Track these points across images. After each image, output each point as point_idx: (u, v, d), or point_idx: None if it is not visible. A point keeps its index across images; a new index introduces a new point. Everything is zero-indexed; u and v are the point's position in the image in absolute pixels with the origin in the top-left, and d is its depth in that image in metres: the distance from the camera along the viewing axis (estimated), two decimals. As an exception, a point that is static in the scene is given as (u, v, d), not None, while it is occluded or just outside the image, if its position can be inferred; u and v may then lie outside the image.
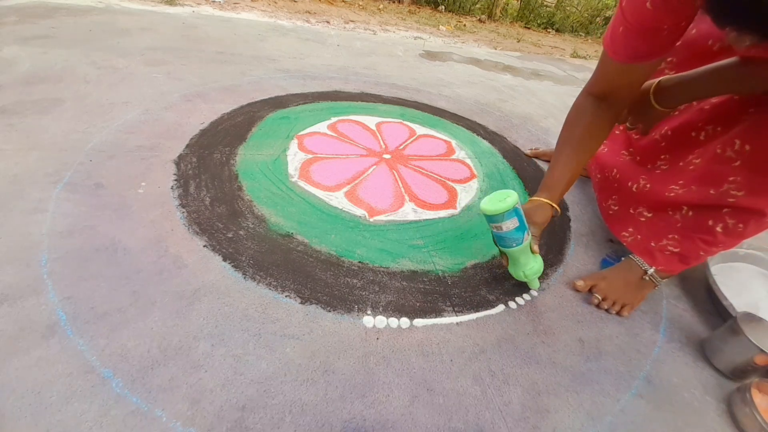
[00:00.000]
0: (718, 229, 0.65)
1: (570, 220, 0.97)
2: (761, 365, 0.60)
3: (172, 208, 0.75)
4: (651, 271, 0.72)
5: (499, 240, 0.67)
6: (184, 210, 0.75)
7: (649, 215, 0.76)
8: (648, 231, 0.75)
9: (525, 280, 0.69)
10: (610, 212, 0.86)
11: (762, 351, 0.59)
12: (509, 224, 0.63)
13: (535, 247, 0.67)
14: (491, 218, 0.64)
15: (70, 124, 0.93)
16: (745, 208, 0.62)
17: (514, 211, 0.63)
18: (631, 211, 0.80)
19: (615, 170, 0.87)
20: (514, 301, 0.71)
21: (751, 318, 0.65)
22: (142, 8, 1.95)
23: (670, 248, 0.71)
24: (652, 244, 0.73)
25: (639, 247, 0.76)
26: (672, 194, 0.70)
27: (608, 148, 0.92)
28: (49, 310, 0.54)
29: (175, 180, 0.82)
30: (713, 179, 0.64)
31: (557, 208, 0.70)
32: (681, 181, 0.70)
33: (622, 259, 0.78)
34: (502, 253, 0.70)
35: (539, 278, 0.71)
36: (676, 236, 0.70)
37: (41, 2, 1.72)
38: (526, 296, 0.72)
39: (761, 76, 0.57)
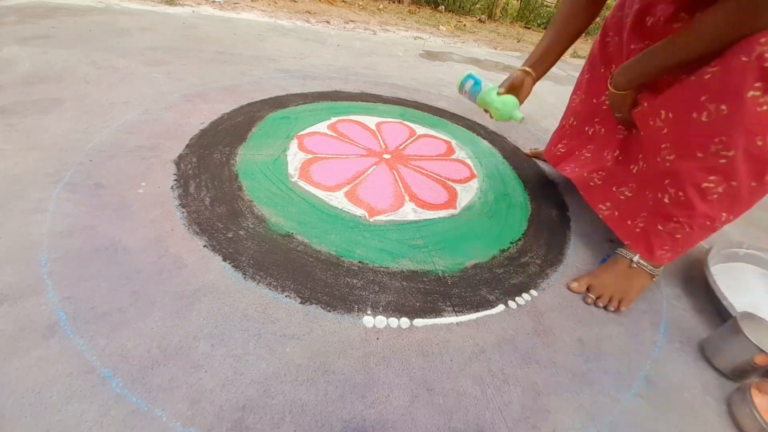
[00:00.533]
0: (666, 200, 0.69)
1: (570, 220, 0.97)
2: (761, 365, 0.60)
3: (172, 208, 0.75)
4: (636, 258, 0.73)
5: (475, 100, 0.85)
6: (184, 210, 0.75)
7: (630, 195, 0.79)
8: (625, 208, 0.79)
9: (502, 114, 0.81)
10: (591, 184, 0.88)
11: (762, 351, 0.59)
12: (467, 85, 0.86)
13: (501, 89, 0.81)
14: (460, 90, 0.88)
15: (70, 124, 0.93)
16: (678, 172, 0.66)
17: (469, 75, 0.87)
18: (614, 189, 0.82)
19: (601, 172, 0.87)
20: (514, 301, 0.71)
21: (751, 318, 0.65)
22: (142, 8, 1.95)
23: (639, 226, 0.75)
24: (629, 222, 0.77)
25: (615, 224, 0.80)
26: (635, 169, 0.77)
27: (592, 154, 0.93)
28: (49, 310, 0.54)
29: (175, 180, 0.82)
30: (653, 149, 0.70)
31: (531, 71, 0.83)
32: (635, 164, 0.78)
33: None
34: (486, 111, 0.84)
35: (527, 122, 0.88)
36: (644, 214, 0.74)
37: (41, 2, 1.72)
38: (526, 296, 0.72)
39: (679, 47, 0.62)
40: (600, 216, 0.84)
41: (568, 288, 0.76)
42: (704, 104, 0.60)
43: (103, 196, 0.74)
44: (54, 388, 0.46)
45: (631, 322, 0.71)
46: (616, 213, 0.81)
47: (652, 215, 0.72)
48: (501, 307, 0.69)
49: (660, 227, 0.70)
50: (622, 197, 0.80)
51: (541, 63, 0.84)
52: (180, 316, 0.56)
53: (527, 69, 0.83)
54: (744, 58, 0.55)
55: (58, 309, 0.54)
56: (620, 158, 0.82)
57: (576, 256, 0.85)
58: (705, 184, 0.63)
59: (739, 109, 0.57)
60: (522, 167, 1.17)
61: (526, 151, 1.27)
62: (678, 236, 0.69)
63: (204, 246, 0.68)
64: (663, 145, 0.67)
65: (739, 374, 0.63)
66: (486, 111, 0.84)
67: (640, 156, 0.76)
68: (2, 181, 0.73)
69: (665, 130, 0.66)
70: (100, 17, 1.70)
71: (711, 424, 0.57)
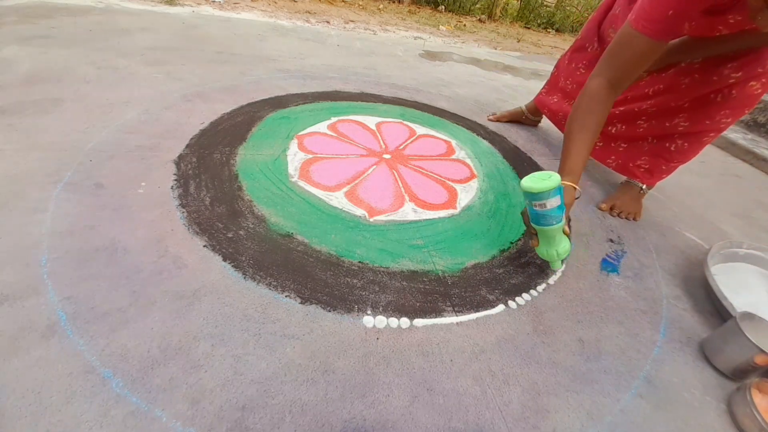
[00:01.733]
0: (672, 148, 0.98)
1: (570, 220, 0.97)
2: (761, 365, 0.60)
3: (172, 208, 0.75)
4: (644, 187, 1.04)
5: (540, 218, 0.69)
6: (184, 210, 0.75)
7: (625, 146, 1.08)
8: (626, 156, 1.07)
9: (553, 259, 0.72)
10: (597, 147, 1.14)
11: (762, 351, 0.59)
12: (553, 202, 0.66)
13: (567, 228, 0.72)
14: (536, 196, 0.66)
15: (70, 124, 0.93)
16: (689, 134, 0.94)
17: (559, 189, 0.66)
18: (612, 144, 1.11)
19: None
20: (514, 301, 0.71)
21: (751, 318, 0.65)
22: (142, 8, 1.95)
23: (643, 166, 1.04)
24: (630, 164, 1.06)
25: (621, 168, 1.09)
26: (641, 129, 1.03)
27: None
28: (49, 310, 0.54)
29: (175, 180, 0.82)
30: (669, 117, 0.96)
31: (580, 189, 0.76)
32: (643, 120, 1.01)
33: (621, 253, 0.86)
34: (532, 234, 0.73)
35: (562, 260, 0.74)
36: (646, 158, 1.03)
37: (41, 2, 1.72)
38: (526, 296, 0.72)
39: (699, 47, 0.85)
40: (609, 168, 1.12)
41: (599, 208, 1.03)
42: (722, 89, 0.86)
43: (103, 196, 0.74)
44: (54, 388, 0.46)
45: (631, 322, 0.71)
46: (620, 161, 1.08)
47: (656, 157, 1.01)
48: (501, 307, 0.69)
49: (664, 167, 1.01)
50: (620, 149, 1.09)
51: (581, 175, 0.79)
52: (180, 316, 0.56)
53: (577, 188, 0.75)
54: (760, 69, 0.80)
55: (58, 309, 0.54)
56: (623, 128, 1.06)
57: (575, 256, 0.85)
58: (705, 139, 0.93)
59: (743, 91, 0.83)
60: (522, 167, 1.17)
61: (489, 116, 1.43)
62: (673, 165, 1.00)
63: (204, 246, 0.68)
64: (680, 115, 0.93)
65: (739, 374, 0.63)
66: (532, 234, 0.73)
67: (640, 121, 1.02)
68: (2, 181, 0.73)
69: (686, 105, 0.92)
70: (100, 17, 1.70)
71: (711, 424, 0.57)
